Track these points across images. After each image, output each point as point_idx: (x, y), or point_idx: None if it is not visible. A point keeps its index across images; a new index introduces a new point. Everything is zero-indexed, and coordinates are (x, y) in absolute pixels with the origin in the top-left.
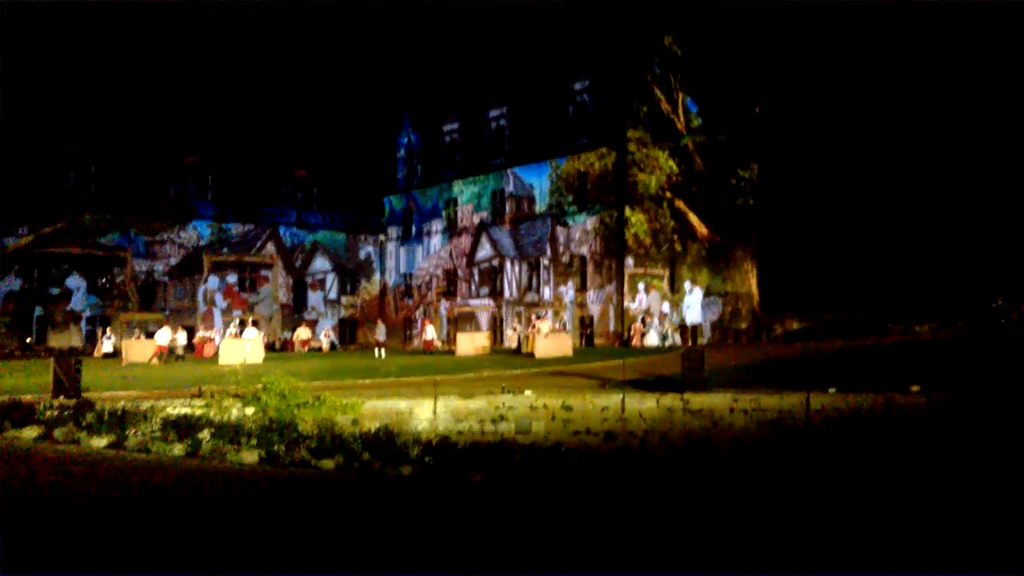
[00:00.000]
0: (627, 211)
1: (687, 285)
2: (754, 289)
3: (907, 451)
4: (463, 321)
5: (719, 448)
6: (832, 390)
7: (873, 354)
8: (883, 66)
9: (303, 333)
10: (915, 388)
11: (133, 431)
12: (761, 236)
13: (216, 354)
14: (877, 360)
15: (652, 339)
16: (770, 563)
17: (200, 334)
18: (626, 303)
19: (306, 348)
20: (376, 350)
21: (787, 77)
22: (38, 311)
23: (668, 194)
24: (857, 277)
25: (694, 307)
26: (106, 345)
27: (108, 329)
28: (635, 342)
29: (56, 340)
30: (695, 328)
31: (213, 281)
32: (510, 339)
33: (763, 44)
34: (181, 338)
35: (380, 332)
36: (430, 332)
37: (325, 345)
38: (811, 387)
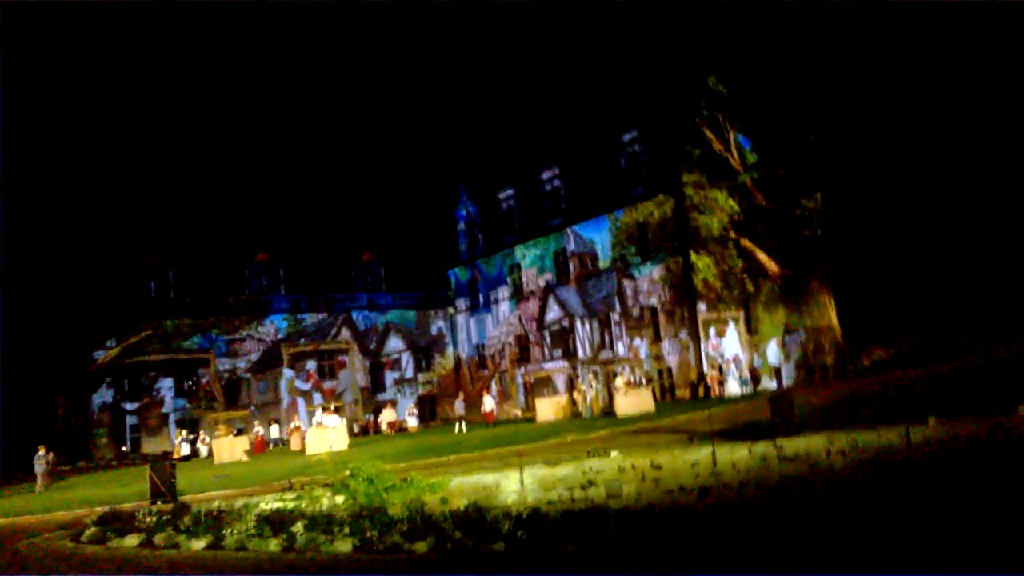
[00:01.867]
0: (692, 256)
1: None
2: (835, 321)
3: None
4: (540, 385)
5: (819, 493)
6: (932, 420)
7: (969, 376)
8: (944, 75)
9: (388, 415)
10: (1023, 408)
11: (229, 530)
12: (834, 265)
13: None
14: (974, 382)
15: (732, 387)
16: None
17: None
18: (703, 350)
19: (394, 430)
20: (456, 424)
21: (836, 98)
22: (132, 420)
23: (732, 234)
24: (941, 296)
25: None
26: (184, 448)
27: (185, 432)
28: (714, 392)
29: (150, 446)
30: (777, 371)
31: (305, 368)
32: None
33: (805, 69)
34: (275, 431)
35: (459, 406)
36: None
37: (412, 424)
38: (909, 419)
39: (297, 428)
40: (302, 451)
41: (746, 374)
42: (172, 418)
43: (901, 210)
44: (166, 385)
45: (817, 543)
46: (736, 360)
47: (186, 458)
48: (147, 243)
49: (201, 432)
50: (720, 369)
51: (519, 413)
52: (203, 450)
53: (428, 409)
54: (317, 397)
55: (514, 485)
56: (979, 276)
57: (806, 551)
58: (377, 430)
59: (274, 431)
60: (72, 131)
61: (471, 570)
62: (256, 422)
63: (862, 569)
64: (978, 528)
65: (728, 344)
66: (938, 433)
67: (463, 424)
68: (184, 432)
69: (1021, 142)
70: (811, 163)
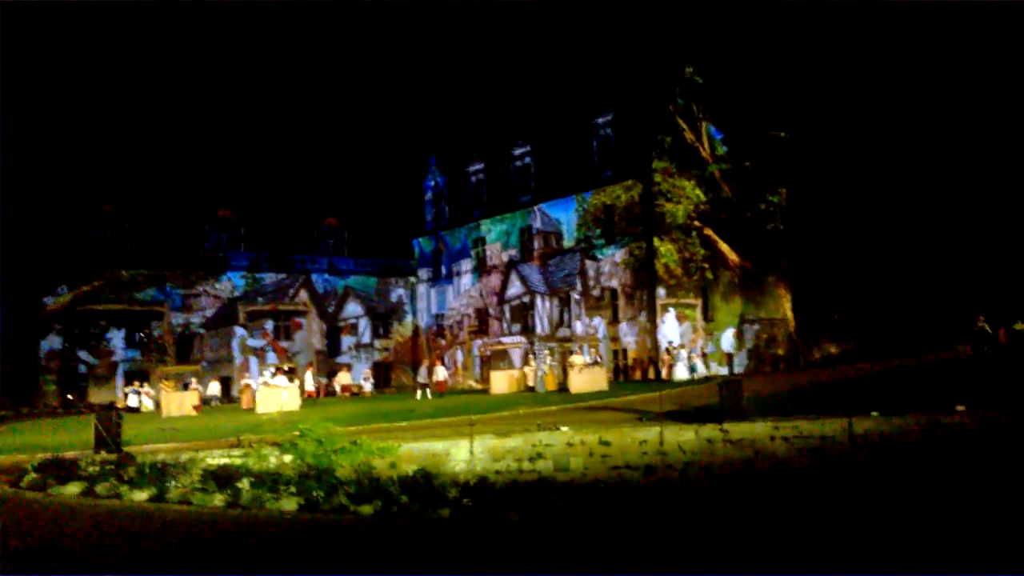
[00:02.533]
0: (656, 242)
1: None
2: (789, 314)
3: (958, 473)
4: (496, 359)
5: (762, 478)
6: (875, 414)
7: (914, 375)
8: (910, 81)
9: (343, 378)
10: (960, 408)
11: (173, 483)
12: (793, 261)
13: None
14: (919, 381)
15: (680, 372)
16: None
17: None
18: (658, 335)
19: (347, 394)
20: (419, 391)
21: (809, 100)
22: (81, 368)
23: (697, 223)
24: (892, 296)
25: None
26: (131, 399)
27: (136, 383)
28: (664, 374)
29: (97, 396)
30: (729, 358)
31: (261, 327)
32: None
33: (782, 69)
34: (214, 388)
35: (423, 373)
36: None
37: (367, 389)
38: (853, 412)
39: (248, 386)
40: (252, 409)
41: (698, 360)
42: (121, 369)
43: (862, 213)
44: (118, 336)
45: (753, 522)
46: (689, 345)
47: (133, 410)
48: (105, 192)
49: (146, 385)
50: (668, 352)
51: (474, 384)
52: (147, 403)
53: (383, 375)
54: (271, 357)
55: (463, 454)
56: (933, 281)
57: (742, 529)
58: (331, 393)
59: (213, 388)
60: (36, 75)
61: (416, 534)
62: (194, 379)
63: (798, 555)
64: (900, 515)
65: (683, 329)
66: (879, 426)
67: (427, 391)
68: (136, 383)
69: (982, 149)
70: (779, 160)
